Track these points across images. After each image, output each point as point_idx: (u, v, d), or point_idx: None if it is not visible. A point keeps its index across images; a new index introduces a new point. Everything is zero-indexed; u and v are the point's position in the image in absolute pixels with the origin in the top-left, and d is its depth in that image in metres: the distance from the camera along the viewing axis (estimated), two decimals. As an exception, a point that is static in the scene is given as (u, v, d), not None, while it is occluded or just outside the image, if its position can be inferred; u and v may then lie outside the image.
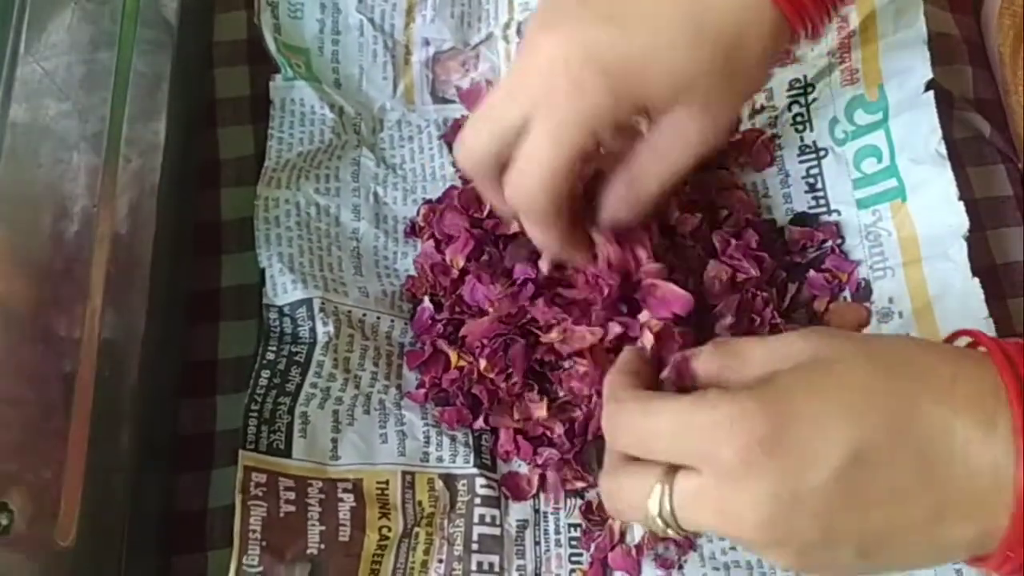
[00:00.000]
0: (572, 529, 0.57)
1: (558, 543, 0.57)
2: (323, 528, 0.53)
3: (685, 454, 0.41)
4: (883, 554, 0.41)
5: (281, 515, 0.53)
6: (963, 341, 0.45)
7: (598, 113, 0.47)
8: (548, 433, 0.58)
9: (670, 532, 0.42)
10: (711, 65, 0.47)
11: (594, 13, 0.47)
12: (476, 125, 0.51)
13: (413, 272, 0.64)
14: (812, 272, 0.62)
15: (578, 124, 0.47)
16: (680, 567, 0.56)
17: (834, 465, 0.39)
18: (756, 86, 0.53)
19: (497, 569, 0.55)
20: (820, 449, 0.39)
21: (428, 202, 0.65)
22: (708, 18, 0.46)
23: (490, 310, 0.59)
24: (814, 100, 0.65)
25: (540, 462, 0.58)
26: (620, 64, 0.46)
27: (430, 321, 0.61)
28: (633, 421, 0.43)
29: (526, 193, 0.50)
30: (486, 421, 0.58)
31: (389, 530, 0.54)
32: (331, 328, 0.59)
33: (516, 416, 0.58)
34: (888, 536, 0.40)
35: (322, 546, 0.53)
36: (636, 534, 0.57)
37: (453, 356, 0.59)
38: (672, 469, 0.42)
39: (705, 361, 0.45)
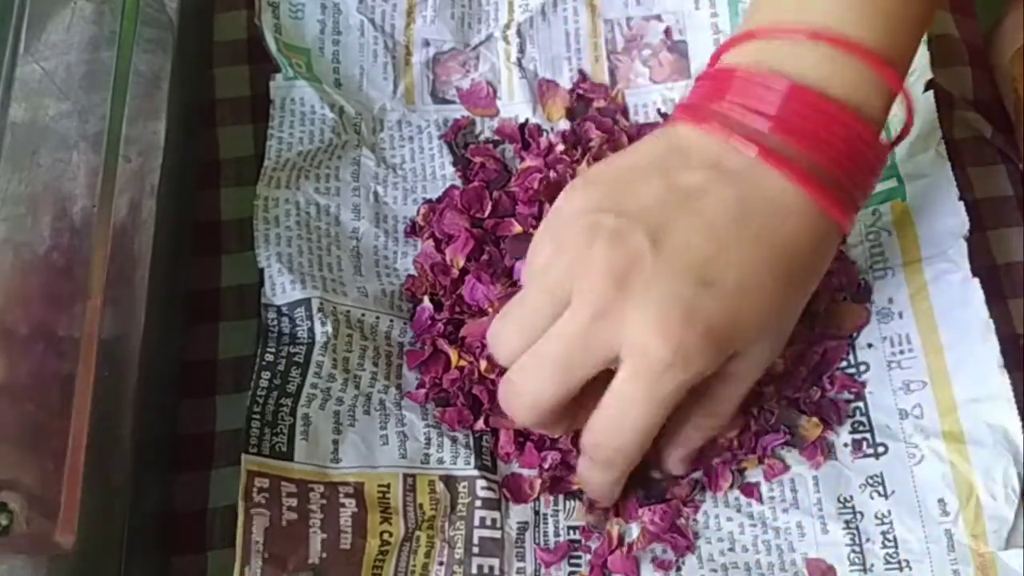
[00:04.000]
0: (572, 532, 0.57)
1: (558, 546, 0.57)
2: (325, 536, 0.53)
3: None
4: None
5: (283, 524, 0.53)
6: None
7: (700, 372, 0.46)
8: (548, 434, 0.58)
9: None
10: (796, 299, 0.49)
11: (682, 269, 0.46)
12: (509, 321, 0.50)
13: (413, 272, 0.64)
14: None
15: (680, 386, 0.46)
16: (678, 568, 0.56)
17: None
18: (812, 292, 0.52)
19: (497, 572, 0.55)
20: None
21: (428, 202, 0.65)
22: (794, 258, 0.47)
23: (490, 310, 0.59)
24: (814, 100, 0.65)
25: (546, 466, 0.58)
26: (722, 326, 0.45)
27: (430, 321, 0.61)
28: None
29: (617, 444, 0.49)
30: (486, 422, 0.58)
31: (390, 535, 0.54)
32: (329, 328, 0.59)
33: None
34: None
35: (324, 555, 0.53)
36: (632, 533, 0.57)
37: (453, 356, 0.59)
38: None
39: None
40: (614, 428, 0.48)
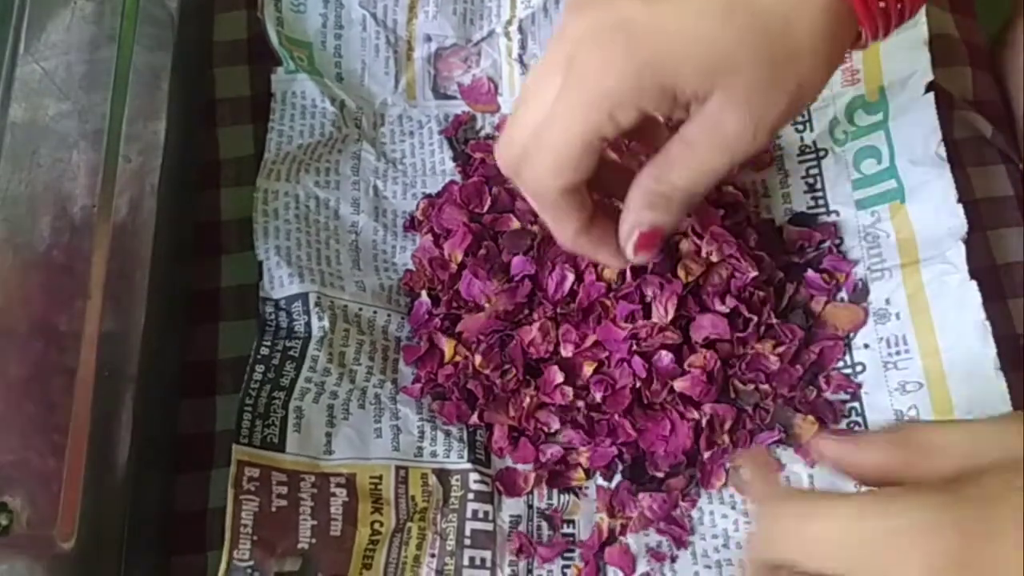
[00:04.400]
0: (566, 525, 0.58)
1: (551, 539, 0.57)
2: (315, 523, 0.54)
3: (859, 564, 0.35)
4: None
5: (273, 509, 0.53)
6: None
7: (620, 90, 0.42)
8: (544, 429, 0.58)
9: None
10: (750, 48, 0.42)
11: None
12: (511, 119, 0.47)
13: (411, 266, 0.64)
14: (810, 272, 0.62)
15: (594, 104, 0.43)
16: (673, 560, 0.56)
17: None
18: (809, 91, 0.45)
19: (489, 564, 0.56)
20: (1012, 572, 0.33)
21: (428, 196, 0.65)
22: (781, 25, 0.42)
23: (487, 305, 0.60)
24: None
25: (543, 460, 0.58)
26: (648, 37, 0.42)
27: (427, 315, 0.61)
28: (796, 526, 0.36)
29: (535, 177, 0.46)
30: (480, 417, 0.59)
31: (381, 525, 0.55)
32: (326, 323, 0.59)
33: (512, 412, 0.58)
34: None
35: (313, 540, 0.54)
36: (631, 541, 0.57)
37: (449, 350, 0.60)
38: None
39: (879, 452, 0.39)
40: (538, 155, 0.46)
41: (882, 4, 0.44)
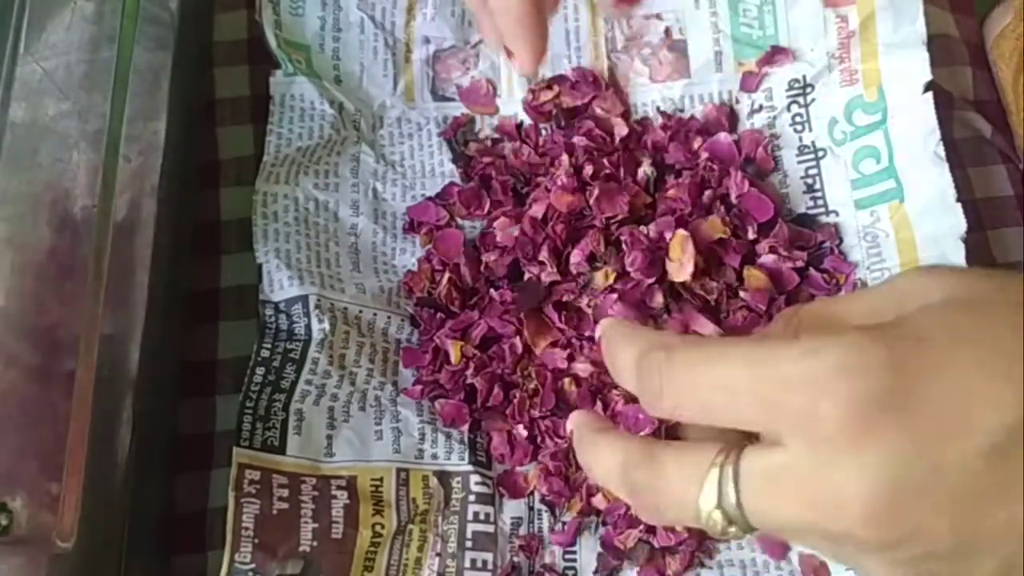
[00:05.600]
0: (567, 527, 0.58)
1: (552, 541, 0.57)
2: (316, 525, 0.54)
3: (764, 416, 0.30)
4: None
5: (274, 512, 0.53)
6: None
7: None
8: (550, 434, 0.58)
9: (732, 531, 0.32)
10: None
11: None
12: None
13: (411, 268, 0.64)
14: (811, 272, 0.62)
15: None
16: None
17: (986, 436, 0.28)
18: None
19: (491, 566, 0.56)
20: (969, 413, 0.29)
21: (427, 200, 0.65)
22: None
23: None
24: (813, 100, 0.65)
25: (546, 460, 0.58)
26: None
27: (433, 317, 0.61)
28: (689, 374, 0.32)
29: None
30: (478, 425, 0.59)
31: (382, 527, 0.55)
32: (326, 325, 0.59)
33: (516, 418, 0.58)
34: None
35: (315, 543, 0.53)
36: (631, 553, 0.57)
37: (455, 352, 0.59)
38: (735, 443, 0.32)
39: (778, 328, 0.36)
40: None
41: None
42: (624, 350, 0.35)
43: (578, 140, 0.64)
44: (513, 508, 0.58)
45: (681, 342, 0.33)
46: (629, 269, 0.59)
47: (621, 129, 0.65)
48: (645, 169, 0.63)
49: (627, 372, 0.35)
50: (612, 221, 0.61)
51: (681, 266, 0.58)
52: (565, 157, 0.63)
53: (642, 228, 0.60)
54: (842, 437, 0.29)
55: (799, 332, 0.34)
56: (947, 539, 0.29)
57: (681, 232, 0.58)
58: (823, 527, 0.30)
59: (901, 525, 0.29)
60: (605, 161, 0.63)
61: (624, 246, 0.59)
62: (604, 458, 0.35)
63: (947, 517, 0.29)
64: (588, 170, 0.62)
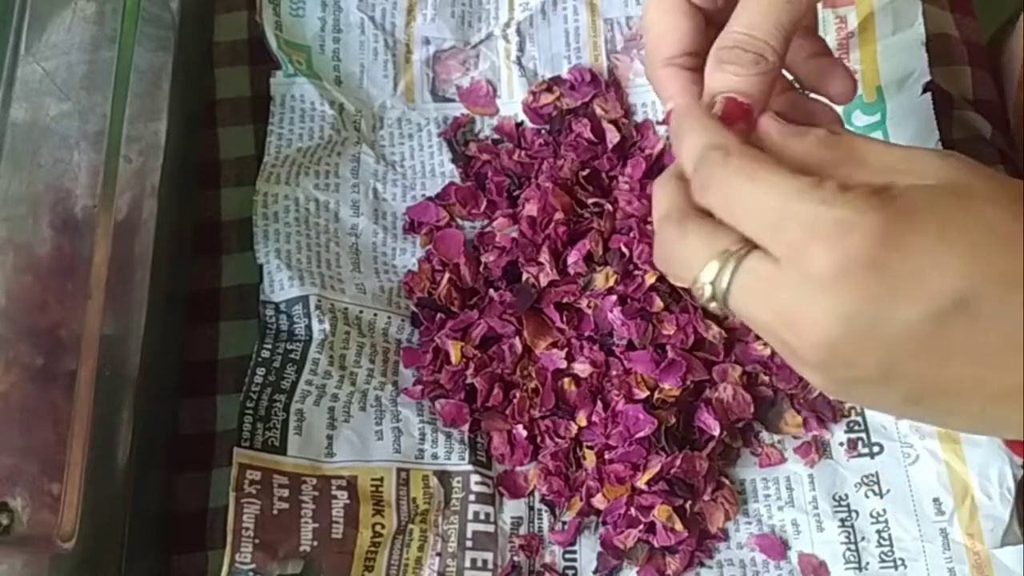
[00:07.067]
0: (567, 526, 0.57)
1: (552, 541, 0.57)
2: (316, 525, 0.54)
3: (773, 237, 0.36)
4: (933, 408, 0.36)
5: (274, 512, 0.53)
6: None
7: None
8: (550, 434, 0.58)
9: (712, 306, 0.38)
10: None
11: None
12: None
13: (412, 268, 0.64)
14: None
15: None
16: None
17: (933, 305, 0.33)
18: None
19: (491, 566, 0.56)
20: (925, 284, 0.34)
21: (427, 200, 0.66)
22: None
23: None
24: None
25: (546, 460, 0.58)
26: None
27: (433, 317, 0.61)
28: (733, 181, 0.37)
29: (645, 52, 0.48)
30: (478, 425, 0.59)
31: (383, 527, 0.55)
32: (327, 326, 0.59)
33: (516, 418, 0.58)
34: (950, 394, 0.35)
35: (315, 543, 0.53)
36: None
37: (456, 352, 0.59)
38: (748, 244, 0.37)
39: (813, 146, 0.39)
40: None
41: None
42: (692, 137, 0.40)
43: (565, 144, 0.65)
44: (513, 508, 0.58)
45: (738, 150, 0.38)
46: (636, 261, 0.59)
47: (613, 136, 0.65)
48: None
49: (688, 157, 0.40)
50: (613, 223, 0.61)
51: None
52: (551, 160, 0.64)
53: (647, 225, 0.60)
54: (821, 276, 0.34)
55: (828, 167, 0.38)
56: (872, 372, 0.35)
57: None
58: (780, 335, 0.36)
59: (840, 355, 0.35)
60: (595, 164, 0.64)
61: (625, 249, 0.60)
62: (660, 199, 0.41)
63: (877, 358, 0.35)
64: (574, 171, 0.63)
